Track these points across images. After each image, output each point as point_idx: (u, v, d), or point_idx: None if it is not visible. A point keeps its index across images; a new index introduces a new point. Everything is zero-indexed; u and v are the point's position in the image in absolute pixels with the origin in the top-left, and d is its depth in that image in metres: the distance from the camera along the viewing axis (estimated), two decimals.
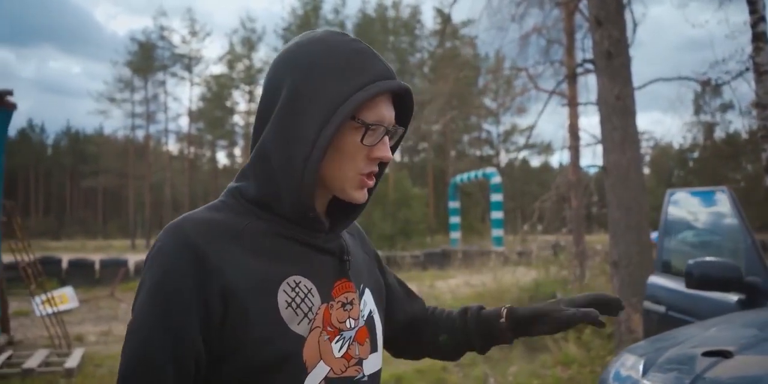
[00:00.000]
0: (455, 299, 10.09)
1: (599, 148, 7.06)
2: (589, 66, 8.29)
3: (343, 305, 0.91)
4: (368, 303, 0.98)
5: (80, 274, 13.73)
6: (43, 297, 7.36)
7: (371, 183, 0.91)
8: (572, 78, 9.29)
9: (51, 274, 12.01)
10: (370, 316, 0.97)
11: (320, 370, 0.85)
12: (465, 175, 24.09)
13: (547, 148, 42.47)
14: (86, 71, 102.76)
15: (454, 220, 24.47)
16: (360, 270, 0.99)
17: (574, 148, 9.27)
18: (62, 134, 58.93)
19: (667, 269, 3.46)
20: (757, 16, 4.79)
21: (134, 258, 16.96)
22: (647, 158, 54.76)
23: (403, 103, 0.94)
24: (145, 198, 42.92)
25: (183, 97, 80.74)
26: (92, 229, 49.75)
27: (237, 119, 44.20)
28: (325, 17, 40.43)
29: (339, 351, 0.88)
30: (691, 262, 2.62)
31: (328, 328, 0.88)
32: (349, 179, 0.89)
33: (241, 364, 0.82)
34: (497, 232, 20.94)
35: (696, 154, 47.27)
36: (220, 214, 0.87)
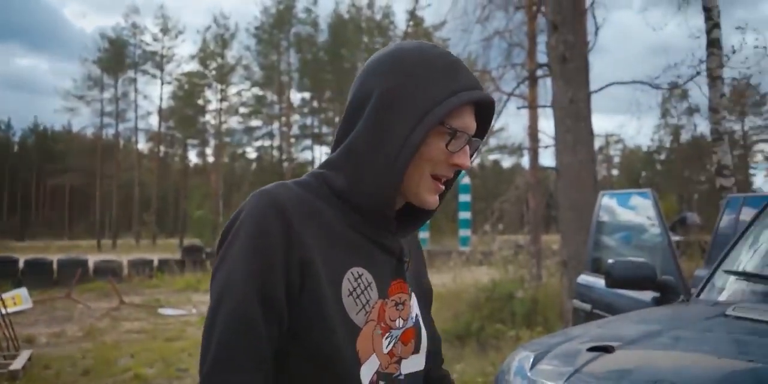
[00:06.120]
0: None
1: None
2: (547, 69, 8.40)
3: (396, 304, 0.94)
4: (414, 307, 1.00)
5: (37, 275, 13.15)
6: None
7: (443, 188, 0.95)
8: (532, 81, 9.40)
9: (6, 275, 11.77)
10: (417, 319, 1.00)
11: (373, 364, 0.88)
12: None
13: (517, 150, 42.90)
14: (54, 68, 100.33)
15: None
16: (412, 276, 1.02)
17: (533, 150, 9.39)
18: (29, 131, 57.76)
19: (595, 268, 3.55)
20: (712, 23, 4.93)
21: (94, 258, 16.53)
22: (616, 160, 55.65)
23: (480, 116, 0.97)
24: (113, 197, 42.26)
25: (154, 95, 79.57)
26: (58, 230, 48.70)
27: (208, 118, 43.62)
28: (297, 16, 40.28)
29: (386, 347, 0.91)
30: (610, 261, 2.70)
31: (382, 324, 0.91)
32: (425, 183, 0.92)
33: (309, 344, 0.83)
34: (464, 232, 21.04)
35: (663, 156, 48.24)
36: (305, 192, 0.90)
